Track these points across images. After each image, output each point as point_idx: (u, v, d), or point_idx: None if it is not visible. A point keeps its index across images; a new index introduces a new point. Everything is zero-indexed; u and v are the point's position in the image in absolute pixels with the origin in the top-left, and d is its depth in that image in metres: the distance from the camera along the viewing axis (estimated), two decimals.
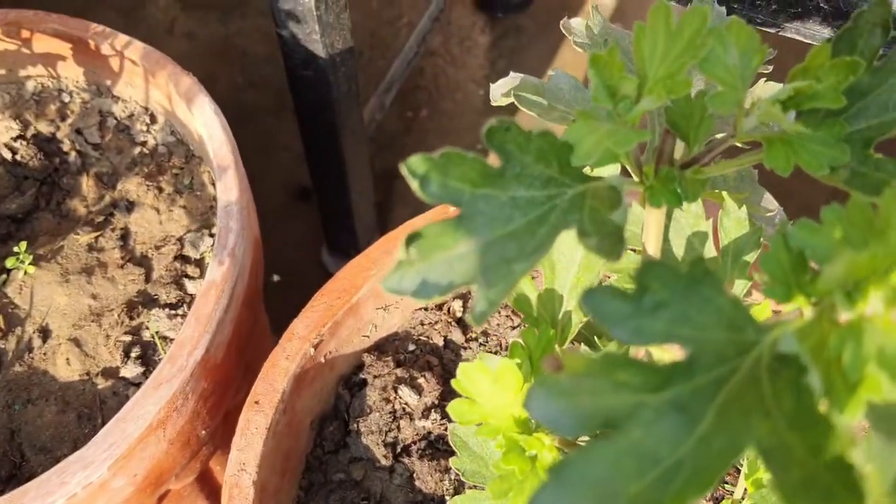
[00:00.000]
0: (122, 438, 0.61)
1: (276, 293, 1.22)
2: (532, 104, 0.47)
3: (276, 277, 1.25)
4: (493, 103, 0.50)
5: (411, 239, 0.31)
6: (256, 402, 0.62)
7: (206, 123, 0.76)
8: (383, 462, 0.67)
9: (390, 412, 0.68)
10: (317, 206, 1.16)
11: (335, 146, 1.01)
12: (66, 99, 0.88)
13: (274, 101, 1.42)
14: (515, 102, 0.47)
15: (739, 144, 0.39)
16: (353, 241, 1.17)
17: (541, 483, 0.24)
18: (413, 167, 0.31)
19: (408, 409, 0.69)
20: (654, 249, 0.40)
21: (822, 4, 0.59)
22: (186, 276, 0.77)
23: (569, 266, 0.48)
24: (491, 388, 0.42)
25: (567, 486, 0.24)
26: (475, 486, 0.59)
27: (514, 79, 0.50)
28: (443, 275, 0.31)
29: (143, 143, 0.85)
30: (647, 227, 0.41)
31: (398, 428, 0.68)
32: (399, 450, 0.68)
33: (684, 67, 0.34)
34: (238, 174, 0.73)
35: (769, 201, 0.55)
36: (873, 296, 0.25)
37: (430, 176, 0.32)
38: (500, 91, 0.49)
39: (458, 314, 0.74)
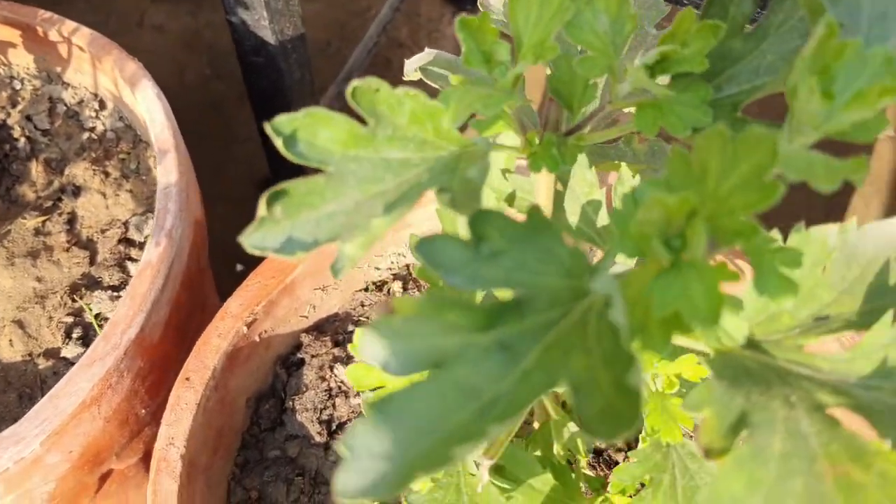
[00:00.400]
0: (54, 414, 0.62)
1: (240, 282, 1.23)
2: (438, 77, 0.48)
3: (239, 267, 1.25)
4: (405, 78, 0.50)
5: (275, 197, 0.32)
6: (187, 379, 0.63)
7: (148, 108, 0.77)
8: (318, 439, 0.68)
9: (326, 390, 0.69)
10: None
11: None
12: (18, 86, 0.88)
13: (240, 93, 1.42)
14: (422, 76, 0.48)
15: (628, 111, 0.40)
16: None
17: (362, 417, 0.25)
18: (278, 126, 0.32)
19: (343, 388, 0.69)
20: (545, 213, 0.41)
21: None
22: (130, 258, 0.78)
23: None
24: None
25: (388, 419, 0.25)
26: None
27: (428, 54, 0.51)
28: (309, 233, 0.32)
29: (92, 129, 0.86)
30: (537, 192, 0.41)
31: (333, 406, 0.69)
32: (334, 427, 0.69)
33: (552, 32, 0.34)
34: (179, 157, 0.74)
35: None
36: (690, 241, 0.25)
37: (297, 136, 0.33)
38: (414, 66, 0.50)
39: (399, 295, 0.75)
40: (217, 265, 0.94)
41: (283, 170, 1.08)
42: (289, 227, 0.32)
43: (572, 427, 0.45)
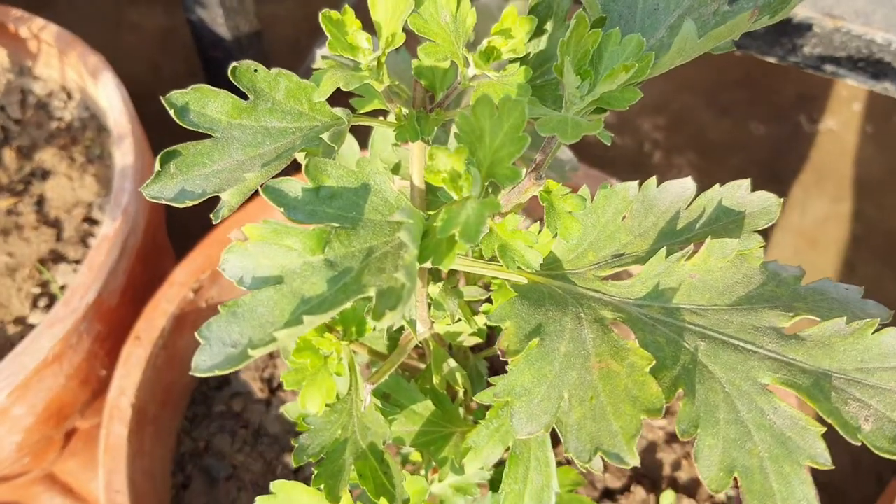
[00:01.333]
0: (19, 369, 0.69)
1: None
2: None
3: None
4: (313, 66, 0.58)
5: (169, 156, 0.39)
6: (137, 338, 0.70)
7: (108, 96, 0.84)
8: (260, 395, 0.75)
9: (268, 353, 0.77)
10: None
11: None
12: None
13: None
14: (321, 61, 0.55)
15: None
16: None
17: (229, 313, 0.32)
18: (171, 99, 0.40)
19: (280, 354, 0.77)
20: (418, 179, 0.48)
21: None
22: (92, 235, 0.85)
23: None
24: None
25: (236, 317, 0.32)
26: None
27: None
28: (198, 186, 0.39)
29: (60, 119, 0.93)
30: (411, 161, 0.49)
31: (274, 366, 0.77)
32: (275, 385, 0.76)
33: (401, 25, 0.42)
34: (135, 141, 0.81)
35: (564, 152, 0.63)
36: (466, 182, 0.33)
37: (189, 106, 0.40)
38: (318, 56, 0.57)
39: None
40: (180, 245, 1.02)
41: None
42: (181, 181, 0.39)
43: (451, 363, 0.52)
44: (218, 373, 0.31)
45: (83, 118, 0.93)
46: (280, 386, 0.76)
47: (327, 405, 0.49)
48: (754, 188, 0.42)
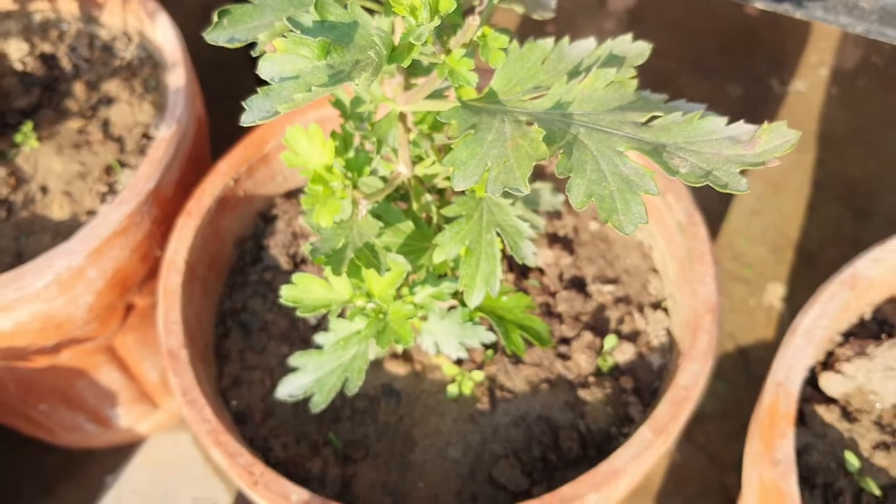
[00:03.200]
0: (94, 237, 0.87)
1: None
2: None
3: None
4: None
5: (222, 13, 0.57)
6: (188, 213, 0.88)
7: (164, 34, 1.03)
8: (286, 267, 0.93)
9: (291, 234, 0.94)
10: None
11: None
12: (65, 27, 1.15)
13: (242, 58, 1.68)
14: None
15: None
16: None
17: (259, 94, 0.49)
18: None
19: (304, 232, 0.94)
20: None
21: None
22: (149, 147, 1.03)
23: None
24: (307, 144, 0.67)
25: (269, 95, 0.49)
26: None
27: None
28: (243, 34, 0.57)
29: (122, 58, 1.12)
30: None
31: (297, 245, 0.94)
32: (298, 260, 0.94)
33: None
34: (185, 68, 0.99)
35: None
36: (421, 12, 0.50)
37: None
38: None
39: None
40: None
41: None
42: (231, 31, 0.57)
43: (427, 196, 0.69)
44: (258, 122, 0.48)
45: (141, 57, 1.12)
46: (303, 261, 0.93)
47: (335, 221, 0.66)
48: None
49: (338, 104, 0.73)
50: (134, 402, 1.15)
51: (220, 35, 0.56)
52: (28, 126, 1.03)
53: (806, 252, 1.40)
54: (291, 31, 0.52)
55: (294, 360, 0.71)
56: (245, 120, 0.49)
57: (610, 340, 0.84)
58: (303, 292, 0.66)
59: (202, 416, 0.75)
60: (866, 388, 0.79)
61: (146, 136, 1.04)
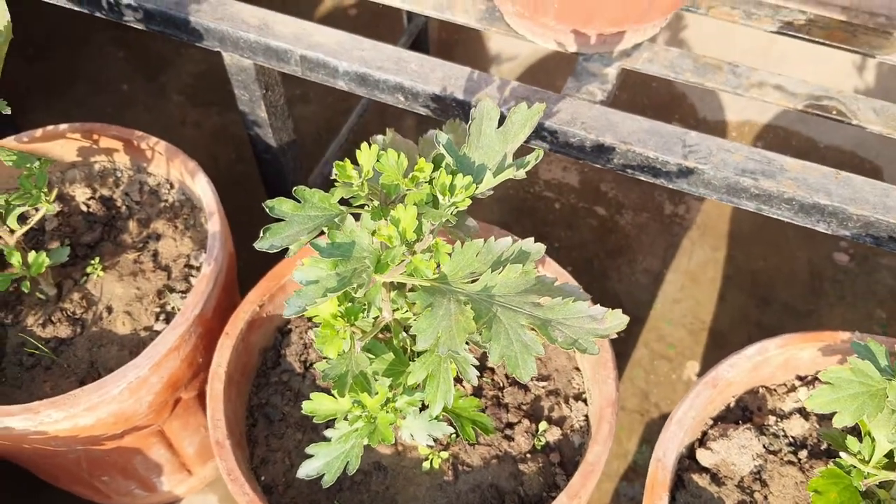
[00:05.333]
0: (156, 353, 1.17)
1: None
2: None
3: None
4: (331, 178, 1.06)
5: (266, 229, 0.87)
6: (227, 333, 1.18)
7: (202, 188, 1.33)
8: (299, 370, 1.23)
9: (303, 344, 1.24)
10: None
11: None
12: (119, 174, 1.45)
13: (257, 172, 2.00)
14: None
15: None
16: None
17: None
18: (268, 203, 0.88)
19: (313, 342, 1.24)
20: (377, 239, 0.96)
21: None
22: (191, 275, 1.33)
23: None
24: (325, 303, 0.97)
25: (300, 295, 0.79)
26: None
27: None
28: (280, 243, 0.87)
29: (165, 201, 1.42)
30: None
31: (307, 353, 1.24)
32: (308, 364, 1.23)
33: (372, 164, 0.90)
34: (220, 216, 1.30)
35: (471, 221, 1.11)
36: (395, 240, 0.80)
37: (274, 206, 0.88)
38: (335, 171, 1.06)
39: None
40: (243, 285, 1.50)
41: None
42: (271, 241, 0.87)
43: (404, 334, 0.99)
44: (295, 314, 0.78)
45: (181, 200, 1.42)
46: (312, 364, 1.23)
47: (339, 354, 0.96)
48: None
49: None
50: (174, 472, 1.44)
51: (264, 244, 0.87)
52: (96, 260, 1.33)
53: (718, 334, 1.70)
54: (313, 250, 0.83)
55: (310, 449, 1.00)
56: (289, 308, 0.79)
57: (543, 425, 1.14)
58: (318, 405, 0.96)
59: (243, 490, 1.04)
60: (728, 461, 1.09)
61: (188, 266, 1.35)
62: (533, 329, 0.81)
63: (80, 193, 1.43)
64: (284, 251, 0.88)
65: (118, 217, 1.41)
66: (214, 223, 1.29)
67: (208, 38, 1.31)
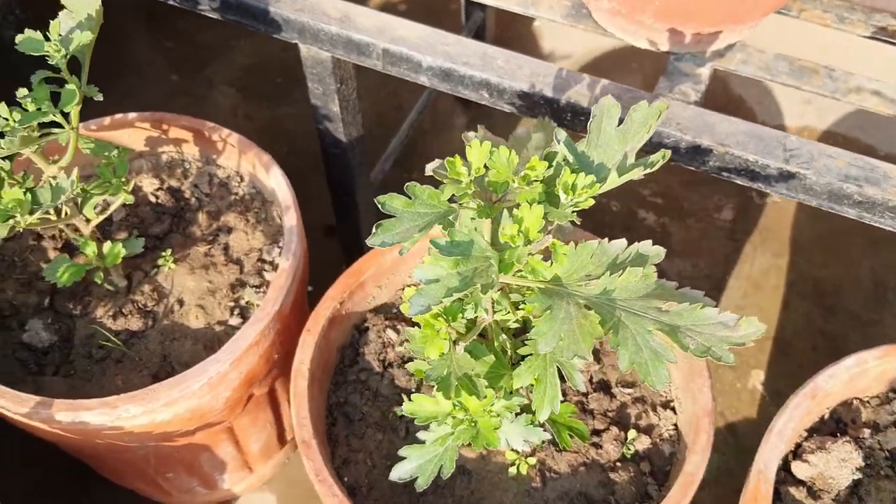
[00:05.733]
0: (236, 348, 1.15)
1: (309, 298, 1.75)
2: (441, 173, 1.01)
3: (310, 288, 1.78)
4: (427, 173, 1.03)
5: (378, 225, 0.85)
6: (308, 330, 1.15)
7: (277, 182, 1.31)
8: (377, 370, 1.20)
9: (381, 343, 1.22)
10: (339, 240, 1.71)
11: (352, 198, 1.55)
12: (187, 166, 1.43)
13: (309, 165, 1.97)
14: (435, 175, 1.01)
15: None
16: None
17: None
18: (380, 199, 0.85)
19: (391, 342, 1.22)
20: (488, 237, 0.94)
21: None
22: (264, 270, 1.31)
23: None
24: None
25: (421, 294, 0.77)
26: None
27: (436, 162, 1.04)
28: (390, 239, 0.85)
29: (236, 193, 1.40)
30: (483, 227, 0.94)
31: (386, 352, 1.21)
32: (386, 364, 1.21)
33: (483, 161, 0.87)
34: (296, 210, 1.28)
35: (567, 226, 1.08)
36: (519, 239, 0.78)
37: (385, 202, 0.86)
38: (430, 168, 1.03)
39: None
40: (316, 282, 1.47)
41: (344, 223, 1.62)
42: (382, 237, 0.84)
43: (503, 336, 0.97)
44: (419, 315, 0.75)
45: (251, 193, 1.40)
46: (391, 364, 1.20)
47: (440, 354, 0.93)
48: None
49: None
50: (237, 469, 1.41)
51: (375, 240, 0.84)
52: (168, 252, 1.31)
53: (782, 341, 1.68)
54: (432, 248, 0.80)
55: (403, 451, 0.98)
56: (412, 308, 0.77)
57: (632, 433, 1.12)
58: (418, 407, 0.93)
59: (332, 491, 1.02)
60: (826, 474, 1.07)
61: (261, 260, 1.32)
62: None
63: (148, 184, 1.41)
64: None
65: (187, 209, 1.39)
66: (291, 217, 1.27)
67: (287, 30, 1.28)
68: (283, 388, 1.37)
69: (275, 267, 1.31)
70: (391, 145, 1.72)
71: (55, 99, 1.01)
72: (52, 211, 1.13)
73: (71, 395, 1.19)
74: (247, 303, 1.28)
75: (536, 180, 0.86)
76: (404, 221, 0.85)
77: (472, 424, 0.94)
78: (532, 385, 0.91)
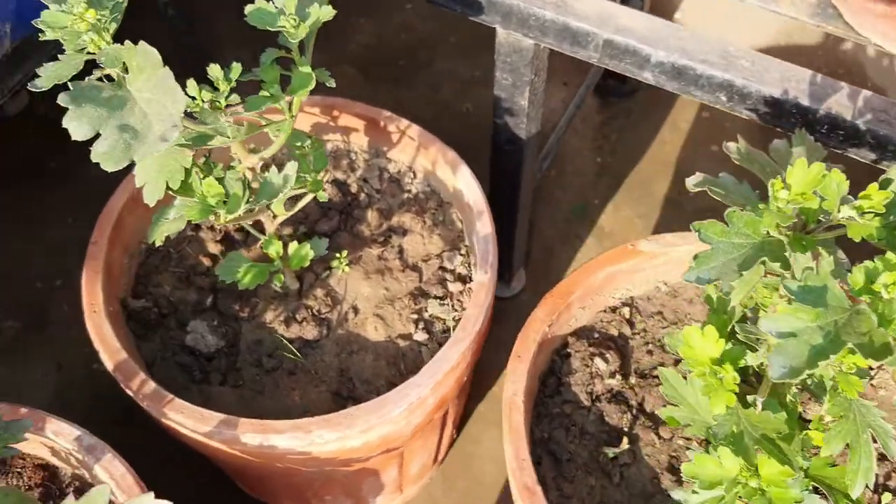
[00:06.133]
0: (437, 370, 1.02)
1: None
2: (717, 193, 0.87)
3: None
4: (690, 191, 0.90)
5: (696, 257, 0.71)
6: (518, 356, 1.03)
7: (466, 183, 1.18)
8: (584, 403, 1.07)
9: (589, 374, 1.09)
10: None
11: (516, 197, 1.42)
12: (353, 157, 1.30)
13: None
14: (708, 192, 0.87)
15: None
16: (509, 270, 1.58)
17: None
18: (695, 226, 0.72)
19: (599, 373, 1.09)
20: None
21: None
22: (447, 280, 1.18)
23: None
24: (700, 340, 0.82)
25: (779, 351, 0.64)
26: (656, 424, 0.99)
27: (698, 176, 0.90)
28: (706, 274, 0.71)
29: (409, 191, 1.27)
30: (794, 262, 0.81)
31: (594, 384, 1.09)
32: (594, 397, 1.08)
33: (811, 188, 0.74)
34: (489, 216, 1.14)
35: None
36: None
37: (702, 231, 0.72)
38: (693, 182, 0.90)
39: (627, 316, 1.15)
40: None
41: (501, 221, 1.49)
42: (697, 271, 0.71)
43: (794, 390, 0.84)
44: (788, 378, 0.62)
45: (426, 192, 1.27)
46: (598, 398, 1.08)
47: (727, 409, 0.80)
48: None
49: (707, 300, 0.88)
50: (391, 491, 1.29)
51: (691, 275, 0.71)
52: (343, 254, 1.18)
53: None
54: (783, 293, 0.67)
55: None
56: (774, 375, 0.64)
57: (886, 497, 0.98)
58: (700, 470, 0.80)
59: None
60: None
61: (442, 268, 1.19)
62: None
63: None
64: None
65: (355, 205, 1.26)
66: (485, 224, 1.14)
67: (489, 13, 1.15)
68: (452, 408, 1.24)
69: (458, 277, 1.18)
70: (549, 144, 1.58)
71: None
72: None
73: (242, 409, 1.07)
74: (431, 316, 1.15)
75: (871, 211, 0.72)
76: (719, 254, 0.72)
77: (762, 494, 0.81)
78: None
